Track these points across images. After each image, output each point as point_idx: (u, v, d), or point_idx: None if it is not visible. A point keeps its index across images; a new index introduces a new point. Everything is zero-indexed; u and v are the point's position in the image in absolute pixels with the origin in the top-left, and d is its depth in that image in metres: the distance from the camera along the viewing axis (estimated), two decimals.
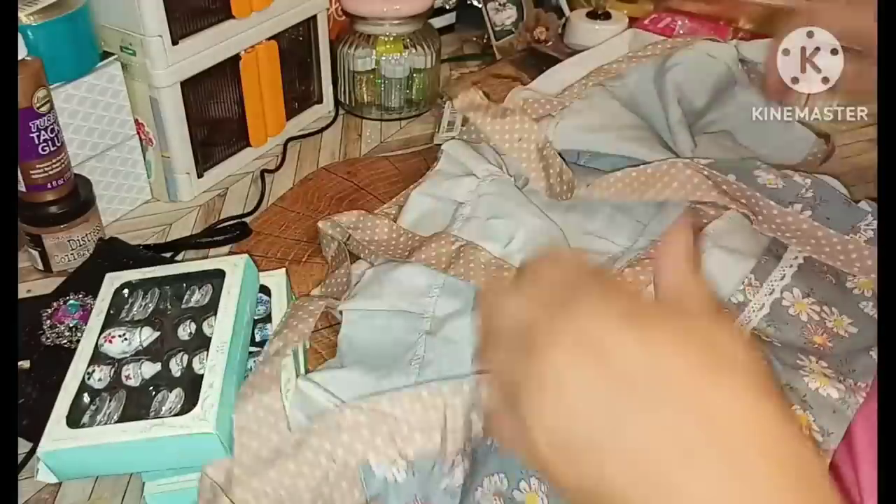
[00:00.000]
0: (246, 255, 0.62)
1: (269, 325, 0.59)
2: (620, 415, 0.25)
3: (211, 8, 0.78)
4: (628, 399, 0.25)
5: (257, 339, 0.59)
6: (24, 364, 0.61)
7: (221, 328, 0.55)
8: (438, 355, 0.58)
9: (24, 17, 0.66)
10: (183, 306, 0.60)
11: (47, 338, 0.63)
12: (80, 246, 0.71)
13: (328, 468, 0.50)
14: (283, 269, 0.63)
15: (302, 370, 0.58)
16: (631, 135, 0.79)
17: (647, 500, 0.24)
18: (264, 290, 0.61)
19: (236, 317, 0.56)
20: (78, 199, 0.70)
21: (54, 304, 0.66)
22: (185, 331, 0.57)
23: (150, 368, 0.55)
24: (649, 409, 0.25)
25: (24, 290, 0.70)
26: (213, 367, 0.52)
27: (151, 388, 0.53)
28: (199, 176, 0.83)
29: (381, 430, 0.51)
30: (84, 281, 0.68)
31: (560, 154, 0.77)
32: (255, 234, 0.77)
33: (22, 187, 0.67)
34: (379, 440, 0.50)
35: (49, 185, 0.67)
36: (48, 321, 0.65)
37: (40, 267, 0.72)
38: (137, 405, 0.52)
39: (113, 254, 0.72)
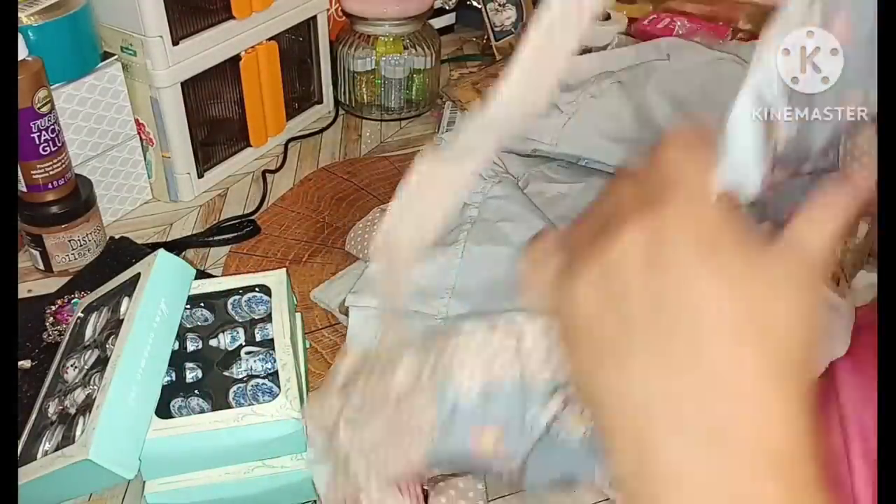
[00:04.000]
0: (160, 250, 0.57)
1: (269, 325, 0.59)
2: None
3: (211, 8, 0.78)
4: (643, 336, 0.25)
5: (258, 338, 0.59)
6: (25, 364, 0.61)
7: (120, 340, 0.50)
8: None
9: (24, 17, 0.66)
10: (111, 318, 0.55)
11: (49, 335, 0.63)
12: (81, 246, 0.71)
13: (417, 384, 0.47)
14: (284, 269, 0.63)
15: (303, 370, 0.58)
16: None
17: (624, 451, 0.25)
18: (264, 290, 0.61)
19: (134, 324, 0.51)
20: (79, 199, 0.70)
21: (59, 301, 0.66)
22: (111, 346, 0.53)
23: (81, 394, 0.52)
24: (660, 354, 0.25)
25: (24, 290, 0.70)
26: (104, 386, 0.48)
27: (78, 415, 0.50)
28: (200, 176, 0.83)
29: (468, 348, 0.47)
30: (90, 280, 0.68)
31: (562, 155, 0.77)
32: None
33: (23, 187, 0.67)
34: (456, 360, 0.47)
35: (50, 186, 0.68)
36: (51, 318, 0.65)
37: (41, 267, 0.72)
38: (64, 437, 0.50)
39: (119, 253, 0.72)
